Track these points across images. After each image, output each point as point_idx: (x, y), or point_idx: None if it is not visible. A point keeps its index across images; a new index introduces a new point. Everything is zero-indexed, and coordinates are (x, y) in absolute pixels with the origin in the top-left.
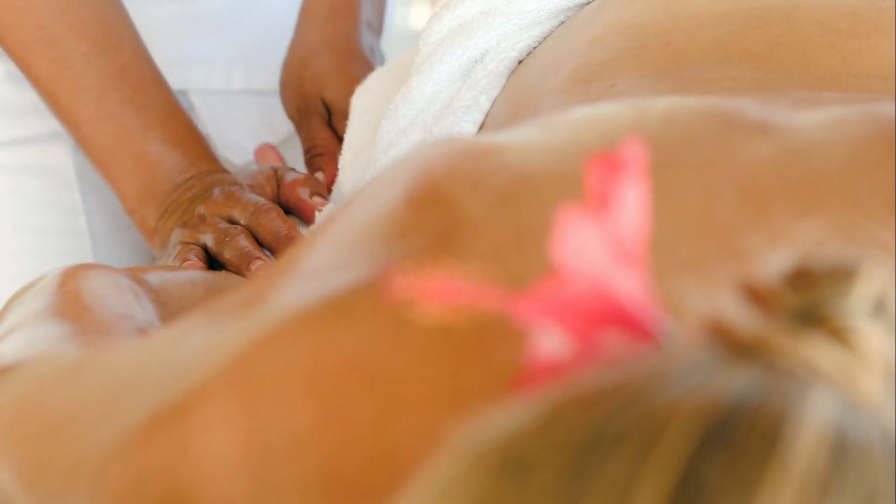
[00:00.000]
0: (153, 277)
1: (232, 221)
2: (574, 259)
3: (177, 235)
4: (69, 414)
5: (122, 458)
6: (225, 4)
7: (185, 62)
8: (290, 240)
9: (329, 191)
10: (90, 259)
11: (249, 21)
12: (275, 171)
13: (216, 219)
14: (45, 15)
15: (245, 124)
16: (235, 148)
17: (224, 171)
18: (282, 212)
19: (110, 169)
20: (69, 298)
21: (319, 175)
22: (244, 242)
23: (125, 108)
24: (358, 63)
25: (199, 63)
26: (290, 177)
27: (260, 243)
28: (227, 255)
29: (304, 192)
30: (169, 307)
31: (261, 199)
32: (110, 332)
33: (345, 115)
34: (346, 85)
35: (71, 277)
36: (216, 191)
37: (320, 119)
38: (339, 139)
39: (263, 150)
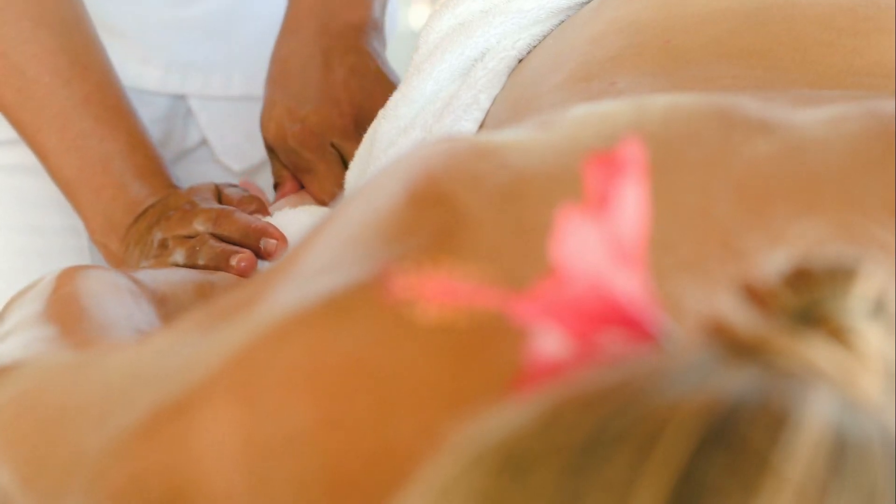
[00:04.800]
0: (146, 276)
1: (195, 233)
2: (573, 259)
3: (146, 266)
4: (68, 412)
5: (122, 456)
6: (224, 9)
7: (184, 67)
8: (260, 231)
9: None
10: (88, 258)
11: (249, 26)
12: (216, 186)
13: (178, 238)
14: (8, 44)
15: (244, 130)
16: (234, 153)
17: (177, 189)
18: (241, 211)
19: (75, 199)
20: (64, 302)
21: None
22: (215, 244)
23: (87, 141)
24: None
25: (198, 68)
26: (228, 192)
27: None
28: (203, 261)
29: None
30: (166, 305)
31: (217, 205)
32: (109, 332)
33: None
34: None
35: (67, 280)
36: (171, 213)
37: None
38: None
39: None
